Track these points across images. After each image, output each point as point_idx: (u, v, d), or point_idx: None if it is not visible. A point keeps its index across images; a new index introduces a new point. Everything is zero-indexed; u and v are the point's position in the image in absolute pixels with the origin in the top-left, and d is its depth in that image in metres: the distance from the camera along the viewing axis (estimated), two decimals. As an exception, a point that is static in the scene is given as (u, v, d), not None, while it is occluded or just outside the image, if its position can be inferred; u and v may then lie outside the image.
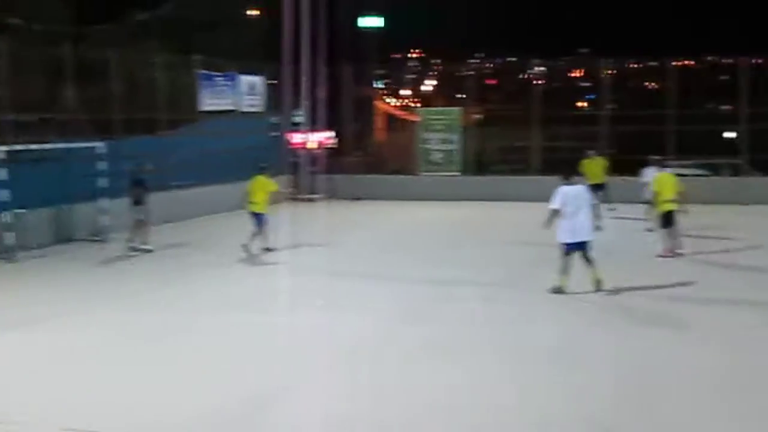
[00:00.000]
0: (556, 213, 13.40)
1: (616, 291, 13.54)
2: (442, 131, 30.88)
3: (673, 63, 30.77)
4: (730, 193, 26.66)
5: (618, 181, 23.30)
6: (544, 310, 12.74)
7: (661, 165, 19.03)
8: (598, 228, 13.57)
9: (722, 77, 33.93)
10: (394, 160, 36.28)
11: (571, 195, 13.41)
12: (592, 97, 36.49)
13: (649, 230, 19.47)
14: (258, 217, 18.04)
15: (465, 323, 12.04)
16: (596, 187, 22.10)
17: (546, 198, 24.56)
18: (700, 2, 49.83)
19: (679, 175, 19.14)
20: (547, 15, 55.70)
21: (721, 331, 11.33)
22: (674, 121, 28.56)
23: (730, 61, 30.72)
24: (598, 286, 13.40)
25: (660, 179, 17.69)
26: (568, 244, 13.51)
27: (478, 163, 32.02)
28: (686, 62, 37.30)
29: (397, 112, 49.68)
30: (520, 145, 32.21)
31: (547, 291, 13.62)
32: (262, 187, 18.25)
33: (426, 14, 56.93)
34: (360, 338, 11.18)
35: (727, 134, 30.95)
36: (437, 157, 30.83)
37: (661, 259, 16.87)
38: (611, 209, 22.44)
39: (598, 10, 52.46)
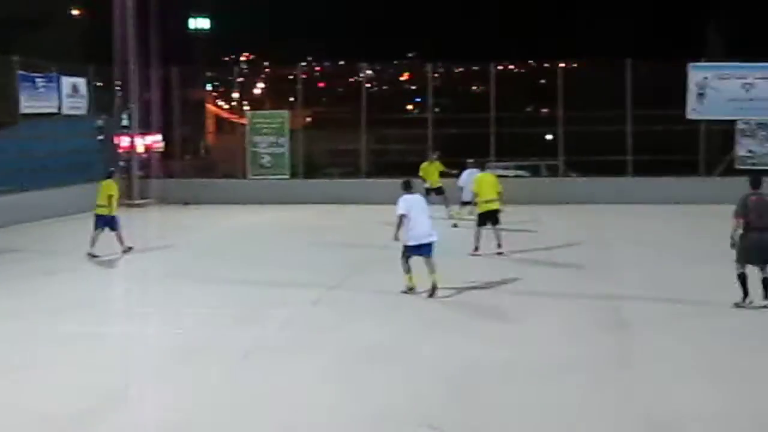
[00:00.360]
0: (403, 218, 13.67)
1: (452, 290, 13.95)
2: (270, 134, 30.87)
3: (498, 67, 31.83)
4: (549, 193, 27.85)
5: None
6: (375, 311, 13.01)
7: (481, 166, 19.64)
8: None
9: (541, 81, 35.28)
10: (224, 164, 36.03)
11: (411, 201, 13.84)
12: (420, 100, 37.26)
13: (455, 226, 20.26)
14: (105, 220, 18.21)
15: (296, 325, 12.18)
16: (435, 191, 22.78)
17: (375, 200, 25.20)
18: (522, 8, 51.64)
19: (500, 176, 19.90)
20: (377, 19, 56.41)
21: (543, 326, 11.87)
22: (497, 124, 29.57)
23: (548, 65, 32.03)
24: (432, 291, 13.64)
25: (480, 180, 18.26)
26: (409, 247, 13.80)
27: (308, 166, 32.19)
28: (509, 66, 38.61)
29: (228, 116, 49.28)
30: (349, 148, 32.62)
31: (400, 292, 13.84)
32: (106, 190, 18.39)
33: (257, 17, 56.60)
34: (190, 343, 11.11)
35: (547, 136, 32.34)
36: (266, 160, 30.80)
37: (472, 256, 17.45)
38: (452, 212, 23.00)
39: (428, 15, 53.52)
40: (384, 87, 47.73)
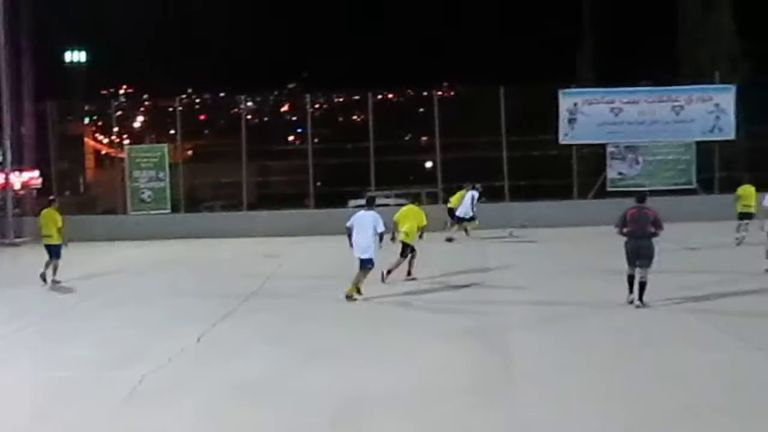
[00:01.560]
0: (348, 230, 15.99)
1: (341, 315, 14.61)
2: (150, 169, 30.52)
3: (377, 96, 32.23)
4: (432, 220, 28.12)
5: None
6: (258, 344, 12.97)
7: (414, 198, 19.87)
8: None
9: (420, 110, 35.80)
10: (104, 200, 35.41)
11: (357, 218, 16.06)
12: (301, 131, 37.41)
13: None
14: (51, 249, 19.14)
15: (179, 363, 12.01)
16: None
17: (258, 233, 25.14)
18: (399, 38, 52.54)
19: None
20: (257, 50, 56.46)
21: (430, 351, 12.00)
22: (377, 153, 29.88)
23: (425, 93, 32.42)
24: (356, 292, 15.83)
25: (403, 212, 18.62)
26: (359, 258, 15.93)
27: (190, 200, 31.92)
28: (388, 95, 39.14)
29: (108, 150, 48.50)
30: (231, 180, 32.50)
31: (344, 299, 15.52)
32: (50, 219, 19.34)
33: (135, 49, 55.96)
34: (70, 386, 10.91)
35: (427, 164, 32.89)
36: (147, 195, 30.42)
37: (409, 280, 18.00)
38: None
39: (307, 46, 53.88)
40: (265, 118, 47.82)
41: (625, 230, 14.42)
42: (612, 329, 12.86)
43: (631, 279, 14.36)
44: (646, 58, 40.05)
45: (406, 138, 38.63)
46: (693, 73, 32.62)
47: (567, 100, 29.96)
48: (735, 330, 12.58)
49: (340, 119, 46.70)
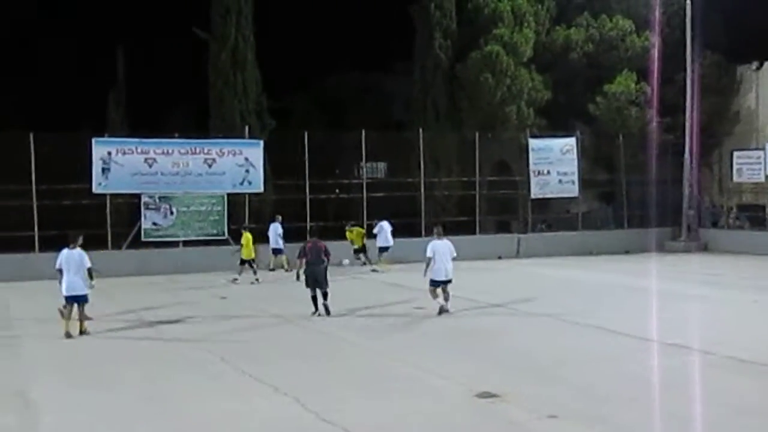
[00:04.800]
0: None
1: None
2: None
3: None
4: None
5: None
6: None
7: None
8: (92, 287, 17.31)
9: None
10: None
11: (63, 257, 17.16)
12: None
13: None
14: None
15: None
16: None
17: None
18: None
19: None
20: None
21: None
22: None
23: None
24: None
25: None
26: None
27: None
28: None
29: None
30: None
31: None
32: None
33: None
34: None
35: None
36: None
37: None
38: None
39: None
40: None
41: (304, 259, 18.80)
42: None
43: (314, 299, 18.50)
44: (180, 110, 40.96)
45: None
46: (224, 128, 33.74)
47: (100, 148, 29.35)
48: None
49: None
